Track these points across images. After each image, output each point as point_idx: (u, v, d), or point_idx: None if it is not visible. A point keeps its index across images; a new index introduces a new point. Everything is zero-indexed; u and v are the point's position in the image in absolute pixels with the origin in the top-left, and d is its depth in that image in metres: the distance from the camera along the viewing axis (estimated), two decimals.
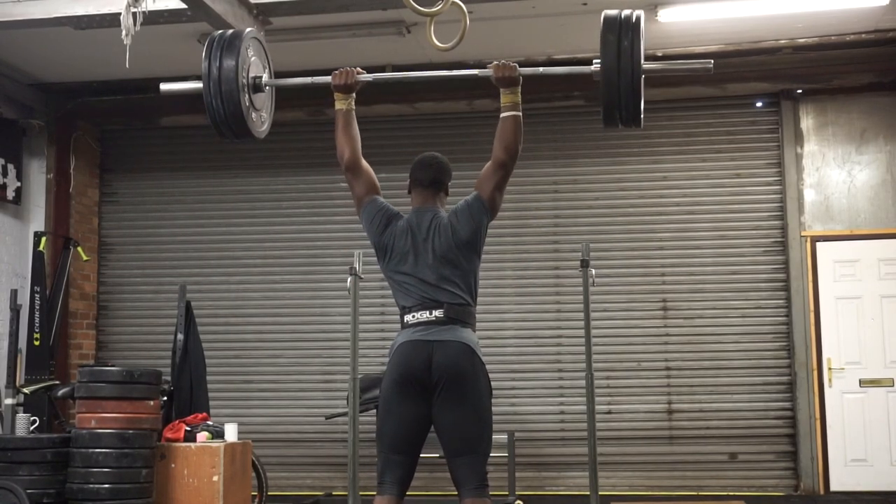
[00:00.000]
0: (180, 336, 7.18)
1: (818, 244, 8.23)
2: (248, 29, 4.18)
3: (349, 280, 5.78)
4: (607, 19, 3.70)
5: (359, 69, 4.00)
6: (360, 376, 6.27)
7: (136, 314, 9.23)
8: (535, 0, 7.05)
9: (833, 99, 8.34)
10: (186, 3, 5.76)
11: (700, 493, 8.09)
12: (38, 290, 8.48)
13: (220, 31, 4.13)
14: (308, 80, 4.38)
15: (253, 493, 6.93)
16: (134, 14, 5.09)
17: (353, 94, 3.95)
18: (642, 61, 3.72)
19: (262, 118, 4.26)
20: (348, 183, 4.02)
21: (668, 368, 8.36)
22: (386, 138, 9.04)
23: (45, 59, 8.22)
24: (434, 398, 3.53)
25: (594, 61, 3.77)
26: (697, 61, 4.03)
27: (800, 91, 8.34)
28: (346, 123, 3.93)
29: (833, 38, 7.96)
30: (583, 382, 6.03)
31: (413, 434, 3.57)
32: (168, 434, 6.52)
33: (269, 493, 7.29)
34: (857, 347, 8.07)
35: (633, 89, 3.72)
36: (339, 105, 3.97)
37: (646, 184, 8.58)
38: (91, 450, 6.04)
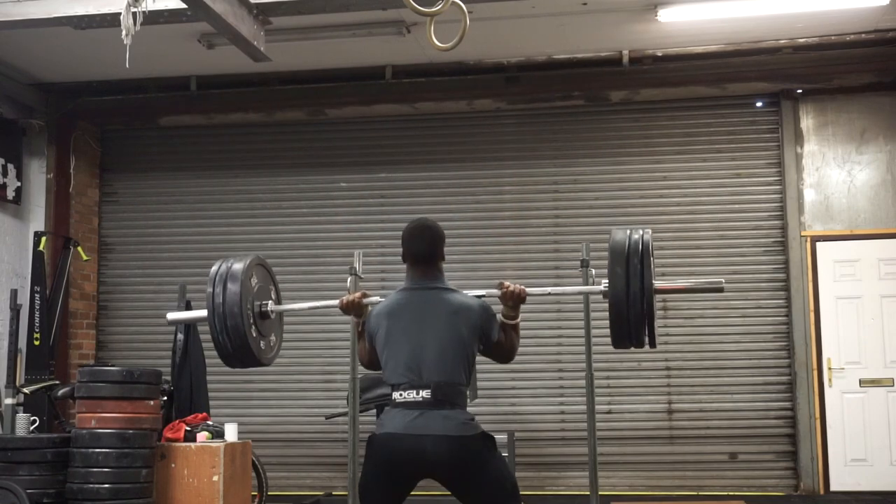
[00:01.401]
0: (180, 336, 7.18)
1: (818, 244, 8.22)
2: (250, 259, 4.10)
3: (349, 280, 5.79)
4: (614, 251, 3.74)
5: (365, 292, 3.97)
6: (360, 376, 6.28)
7: (136, 314, 9.22)
8: (535, 0, 7.05)
9: (833, 99, 8.34)
10: (186, 3, 5.75)
11: (700, 493, 8.09)
12: (38, 289, 8.48)
13: (223, 263, 4.09)
14: (316, 304, 4.47)
15: (253, 493, 6.93)
16: (134, 14, 5.08)
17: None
18: (653, 286, 3.69)
19: (270, 343, 4.23)
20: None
21: (668, 368, 8.36)
22: (386, 138, 9.05)
23: (45, 59, 8.23)
24: (440, 482, 3.53)
25: (603, 283, 3.83)
26: (709, 281, 4.14)
27: (800, 91, 8.34)
28: (361, 335, 3.85)
29: (833, 37, 7.97)
30: (583, 382, 6.03)
31: (398, 502, 3.57)
32: (168, 434, 6.52)
33: (269, 493, 7.29)
34: (857, 347, 8.07)
35: (645, 315, 3.70)
36: (353, 319, 3.99)
37: (646, 184, 8.58)
38: (91, 450, 6.04)
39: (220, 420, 6.94)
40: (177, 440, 6.46)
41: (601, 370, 7.78)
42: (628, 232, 3.79)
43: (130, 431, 6.09)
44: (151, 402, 6.31)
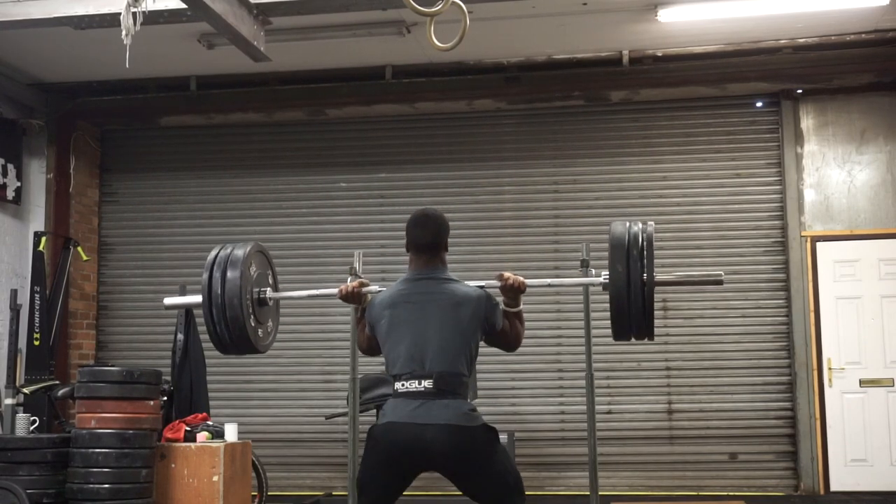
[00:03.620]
0: (180, 336, 7.19)
1: (818, 244, 8.22)
2: (250, 246, 4.05)
3: (349, 280, 5.77)
4: (614, 243, 3.73)
5: (363, 281, 3.94)
6: (360, 376, 6.27)
7: (136, 314, 9.22)
8: (535, 0, 7.05)
9: (833, 99, 8.34)
10: (186, 3, 5.75)
11: (700, 494, 8.09)
12: (38, 290, 8.48)
13: (222, 249, 4.03)
14: (315, 292, 4.39)
15: (253, 494, 6.93)
16: (134, 14, 5.08)
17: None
18: (654, 279, 3.69)
19: (267, 330, 4.19)
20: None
21: (668, 368, 8.35)
22: (386, 138, 9.05)
23: (45, 59, 8.22)
24: (442, 473, 3.51)
25: (603, 274, 3.83)
26: (708, 274, 4.11)
27: (800, 91, 8.34)
28: (360, 323, 3.86)
29: (833, 38, 7.97)
30: (583, 382, 6.03)
31: (397, 495, 3.55)
32: (168, 434, 6.52)
33: (269, 494, 7.29)
34: (857, 347, 8.07)
35: (644, 309, 3.70)
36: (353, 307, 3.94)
37: (646, 184, 8.58)
38: (91, 450, 6.04)
39: (220, 420, 6.94)
40: (177, 440, 6.46)
41: (601, 370, 7.78)
42: (628, 224, 3.77)
43: (130, 432, 6.09)
44: (151, 403, 6.31)
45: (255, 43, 6.45)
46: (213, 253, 4.04)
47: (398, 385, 3.50)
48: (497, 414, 8.24)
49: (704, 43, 8.08)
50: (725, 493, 8.05)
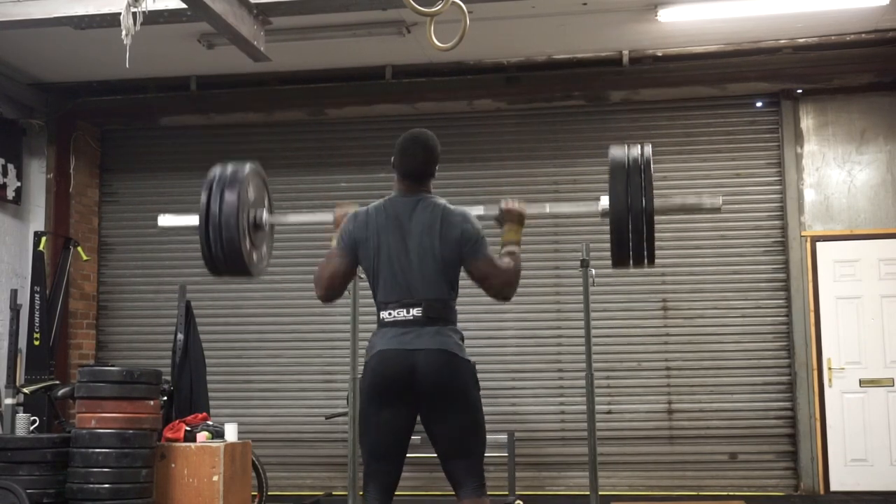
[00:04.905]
0: (180, 336, 7.19)
1: (818, 244, 8.22)
2: (248, 167, 3.98)
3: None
4: (614, 168, 3.71)
5: (358, 209, 3.67)
6: (360, 376, 6.27)
7: (136, 314, 9.22)
8: (535, 0, 7.05)
9: (833, 99, 8.34)
10: (186, 3, 5.75)
11: (700, 493, 8.09)
12: (38, 290, 8.48)
13: (220, 170, 3.94)
14: (311, 217, 4.33)
15: (253, 494, 6.93)
16: (134, 14, 5.08)
17: None
18: (654, 205, 3.63)
19: (261, 254, 4.10)
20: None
21: (668, 368, 8.35)
22: (386, 138, 8.99)
23: (45, 59, 8.23)
24: (420, 408, 3.43)
25: (602, 198, 3.78)
26: (707, 199, 4.02)
27: (800, 91, 8.34)
28: (333, 252, 3.64)
29: (833, 37, 7.97)
30: (583, 382, 6.04)
31: (394, 442, 3.46)
32: (168, 434, 6.52)
33: (269, 493, 7.29)
34: (857, 347, 8.07)
35: (645, 233, 3.65)
36: (335, 243, 3.59)
37: None
38: (91, 450, 6.04)
39: (220, 420, 6.94)
40: (177, 440, 6.46)
41: (601, 370, 7.79)
42: (627, 147, 3.70)
43: (130, 431, 6.09)
44: (151, 402, 6.31)
45: (255, 43, 6.46)
46: (213, 172, 3.93)
47: (385, 314, 3.43)
48: (497, 414, 8.24)
49: (704, 43, 8.08)
50: (725, 493, 8.05)
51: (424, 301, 3.39)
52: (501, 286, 3.54)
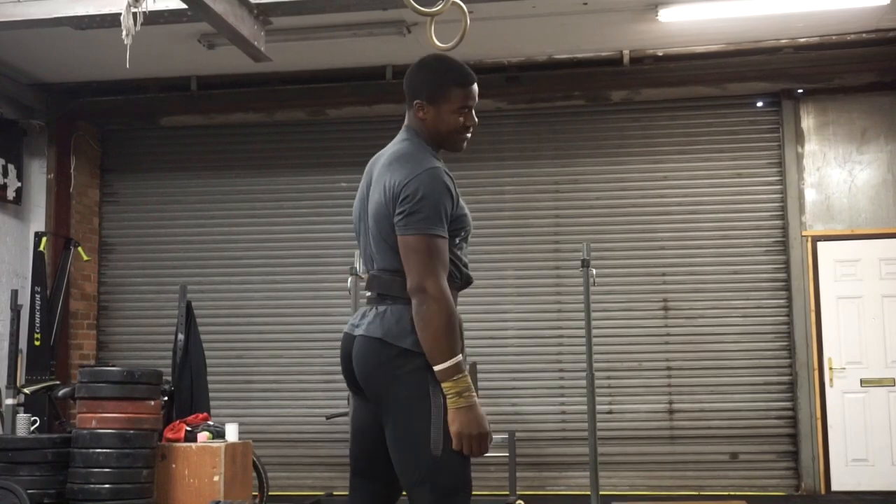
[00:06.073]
0: (181, 336, 7.18)
1: (819, 244, 8.22)
2: None
3: (349, 280, 5.78)
4: None
5: None
6: None
7: (137, 314, 9.22)
8: (535, 0, 7.04)
9: (834, 98, 8.34)
10: (186, 3, 5.75)
11: (701, 493, 8.08)
12: (39, 290, 8.48)
13: None
14: None
15: (254, 493, 6.93)
16: (134, 14, 5.08)
17: None
18: None
19: None
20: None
21: (668, 368, 8.35)
22: (386, 138, 8.91)
23: (45, 59, 8.22)
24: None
25: None
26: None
27: (800, 90, 8.34)
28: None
29: (834, 37, 7.96)
30: (584, 382, 6.04)
31: (367, 449, 2.70)
32: (169, 434, 6.51)
33: (270, 493, 7.29)
34: (858, 347, 8.07)
35: None
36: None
37: (647, 183, 8.57)
38: (91, 450, 6.04)
39: (220, 420, 6.94)
40: (177, 440, 6.46)
41: (602, 370, 7.79)
42: None
43: (131, 432, 6.09)
44: (152, 403, 6.31)
45: (256, 43, 6.45)
46: None
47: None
48: (497, 414, 8.25)
49: (705, 43, 8.08)
50: (726, 493, 8.04)
51: (375, 275, 2.70)
52: (412, 291, 2.58)
